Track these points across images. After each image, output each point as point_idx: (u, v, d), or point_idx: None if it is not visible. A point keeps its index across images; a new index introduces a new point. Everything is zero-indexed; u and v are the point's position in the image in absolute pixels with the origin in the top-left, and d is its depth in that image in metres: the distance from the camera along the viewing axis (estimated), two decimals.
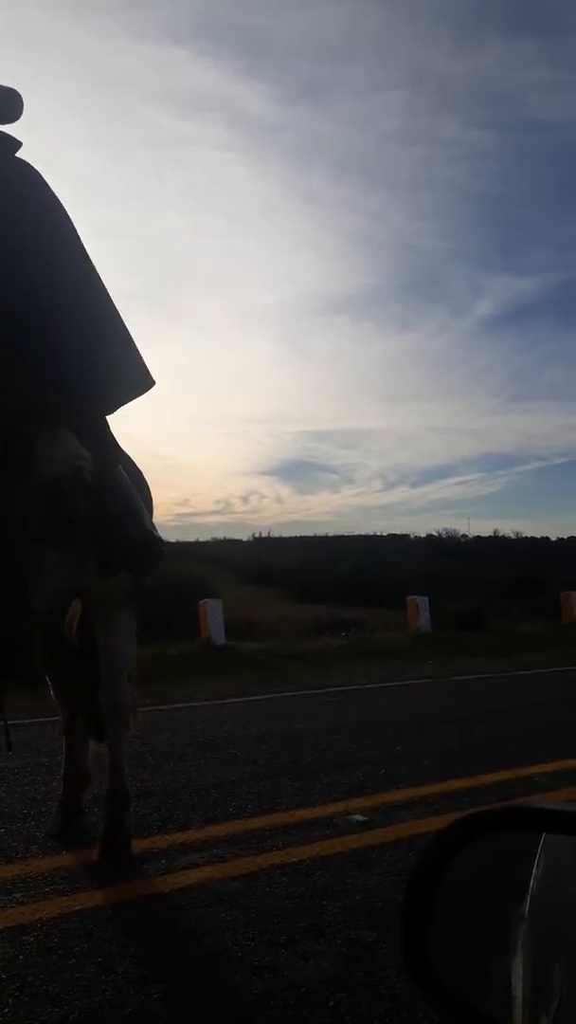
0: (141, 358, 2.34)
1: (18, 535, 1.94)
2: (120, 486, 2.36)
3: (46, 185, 2.15)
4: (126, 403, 2.38)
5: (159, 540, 2.55)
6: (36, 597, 2.09)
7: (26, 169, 2.14)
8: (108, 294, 2.27)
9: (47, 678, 3.00)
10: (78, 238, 2.21)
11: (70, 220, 2.20)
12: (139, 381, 2.35)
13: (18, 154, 2.15)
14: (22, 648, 2.01)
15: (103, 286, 2.25)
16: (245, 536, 33.80)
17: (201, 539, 31.91)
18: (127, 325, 2.31)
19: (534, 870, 0.75)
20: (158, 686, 6.37)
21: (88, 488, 2.19)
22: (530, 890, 0.75)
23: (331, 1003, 1.82)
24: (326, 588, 15.84)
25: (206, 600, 8.76)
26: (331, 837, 2.95)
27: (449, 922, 0.68)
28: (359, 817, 3.18)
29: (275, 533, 34.70)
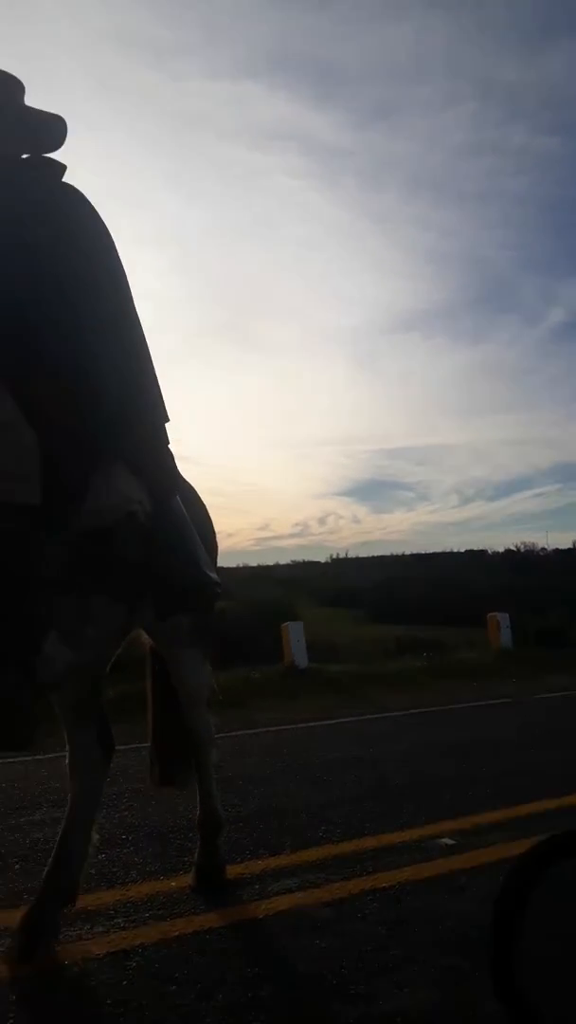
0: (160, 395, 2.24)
1: (36, 592, 1.82)
2: (175, 523, 2.28)
3: (91, 208, 2.13)
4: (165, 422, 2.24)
5: (215, 583, 2.46)
6: (66, 654, 1.99)
7: (72, 192, 2.13)
8: (140, 325, 2.19)
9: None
10: (119, 264, 2.15)
11: (113, 245, 2.15)
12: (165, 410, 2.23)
13: (64, 178, 2.16)
14: (20, 716, 1.81)
15: (138, 320, 2.18)
16: (323, 558, 33.69)
17: (281, 562, 32.02)
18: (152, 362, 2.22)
19: None
20: (244, 710, 6.46)
21: (142, 531, 2.11)
22: None
23: None
24: (405, 608, 15.67)
25: (287, 623, 8.84)
26: (420, 861, 2.95)
27: (540, 945, 0.71)
28: (447, 840, 3.17)
29: (352, 554, 34.50)
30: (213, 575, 2.47)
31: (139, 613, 2.33)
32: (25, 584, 1.80)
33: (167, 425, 2.25)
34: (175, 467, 2.35)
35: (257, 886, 2.76)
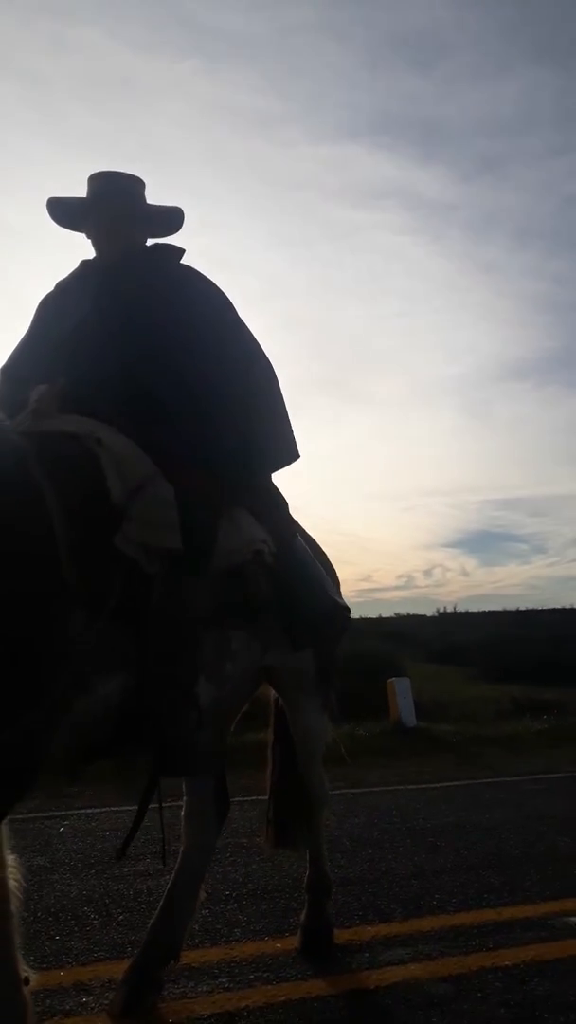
0: (291, 433, 2.40)
1: (188, 631, 1.94)
2: (299, 560, 2.42)
3: (208, 284, 2.33)
4: (276, 471, 2.43)
5: (345, 608, 2.60)
6: (210, 690, 2.09)
7: (191, 272, 2.34)
8: (271, 374, 2.37)
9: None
10: (238, 329, 2.32)
11: (232, 312, 2.33)
12: (286, 454, 2.40)
13: (183, 260, 2.38)
14: (193, 748, 1.95)
15: (265, 367, 2.35)
16: (429, 611, 32.74)
17: (384, 615, 31.35)
18: (283, 402, 2.39)
19: None
20: (350, 768, 6.23)
21: (270, 569, 2.26)
22: None
23: None
24: (520, 666, 14.86)
25: (393, 679, 8.57)
26: (547, 941, 2.70)
27: None
28: None
29: (461, 607, 33.30)
30: (342, 601, 2.59)
31: (273, 651, 2.39)
32: (179, 624, 1.91)
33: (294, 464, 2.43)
34: (289, 513, 2.49)
35: (367, 954, 2.60)
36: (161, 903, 2.40)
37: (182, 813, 2.49)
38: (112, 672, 1.80)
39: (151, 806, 1.97)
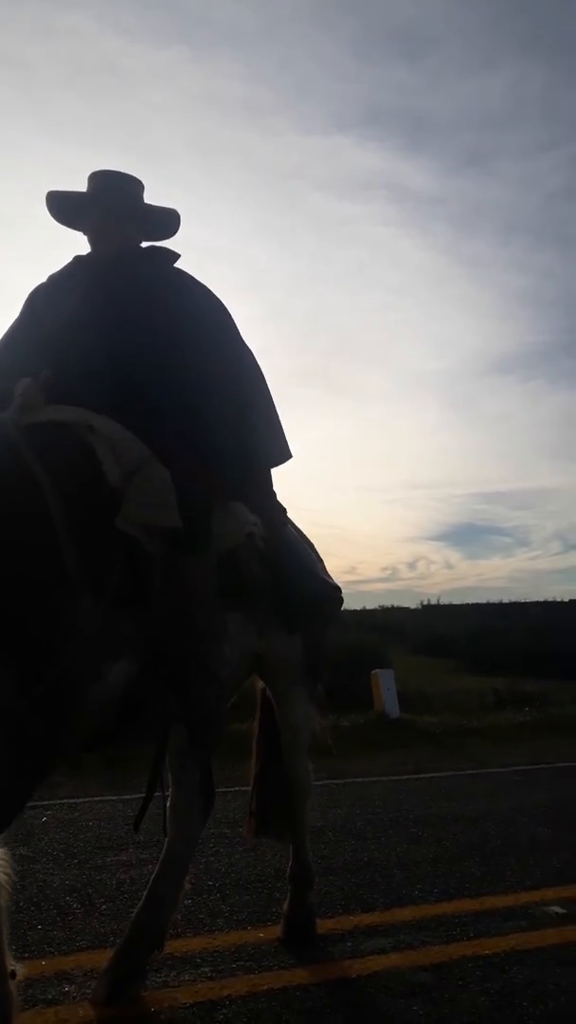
0: (283, 434, 2.46)
1: (205, 607, 2.00)
2: (291, 545, 2.49)
3: (204, 288, 2.36)
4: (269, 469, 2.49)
5: (336, 587, 2.67)
6: (223, 666, 2.16)
7: (184, 276, 2.36)
8: (262, 378, 2.41)
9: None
10: (229, 331, 2.36)
11: (223, 313, 2.36)
12: (278, 454, 2.46)
13: (177, 264, 2.40)
14: (220, 719, 2.02)
15: (256, 371, 2.40)
16: (413, 604, 32.77)
17: (368, 607, 31.36)
18: (274, 405, 2.45)
19: None
20: (334, 759, 6.25)
21: (261, 552, 2.31)
22: None
23: None
24: (503, 658, 14.94)
25: (377, 670, 8.60)
26: (527, 929, 2.73)
27: None
28: (557, 909, 2.93)
29: (445, 600, 33.31)
30: (333, 581, 2.66)
31: (265, 636, 2.43)
32: (186, 601, 1.95)
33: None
34: (279, 502, 2.51)
35: (349, 943, 2.61)
36: (145, 893, 2.40)
37: (167, 804, 2.49)
38: (116, 658, 1.81)
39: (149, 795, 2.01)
